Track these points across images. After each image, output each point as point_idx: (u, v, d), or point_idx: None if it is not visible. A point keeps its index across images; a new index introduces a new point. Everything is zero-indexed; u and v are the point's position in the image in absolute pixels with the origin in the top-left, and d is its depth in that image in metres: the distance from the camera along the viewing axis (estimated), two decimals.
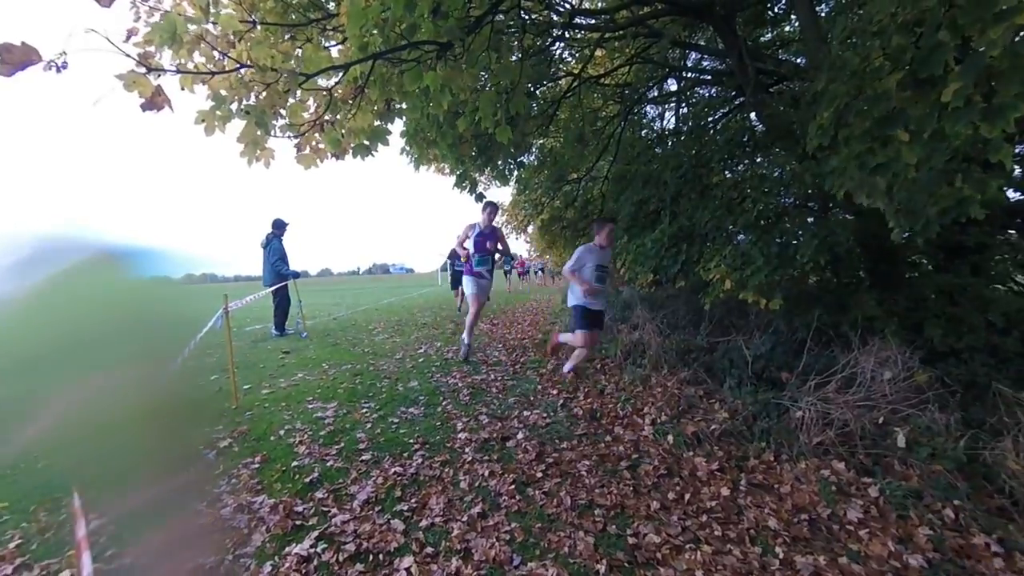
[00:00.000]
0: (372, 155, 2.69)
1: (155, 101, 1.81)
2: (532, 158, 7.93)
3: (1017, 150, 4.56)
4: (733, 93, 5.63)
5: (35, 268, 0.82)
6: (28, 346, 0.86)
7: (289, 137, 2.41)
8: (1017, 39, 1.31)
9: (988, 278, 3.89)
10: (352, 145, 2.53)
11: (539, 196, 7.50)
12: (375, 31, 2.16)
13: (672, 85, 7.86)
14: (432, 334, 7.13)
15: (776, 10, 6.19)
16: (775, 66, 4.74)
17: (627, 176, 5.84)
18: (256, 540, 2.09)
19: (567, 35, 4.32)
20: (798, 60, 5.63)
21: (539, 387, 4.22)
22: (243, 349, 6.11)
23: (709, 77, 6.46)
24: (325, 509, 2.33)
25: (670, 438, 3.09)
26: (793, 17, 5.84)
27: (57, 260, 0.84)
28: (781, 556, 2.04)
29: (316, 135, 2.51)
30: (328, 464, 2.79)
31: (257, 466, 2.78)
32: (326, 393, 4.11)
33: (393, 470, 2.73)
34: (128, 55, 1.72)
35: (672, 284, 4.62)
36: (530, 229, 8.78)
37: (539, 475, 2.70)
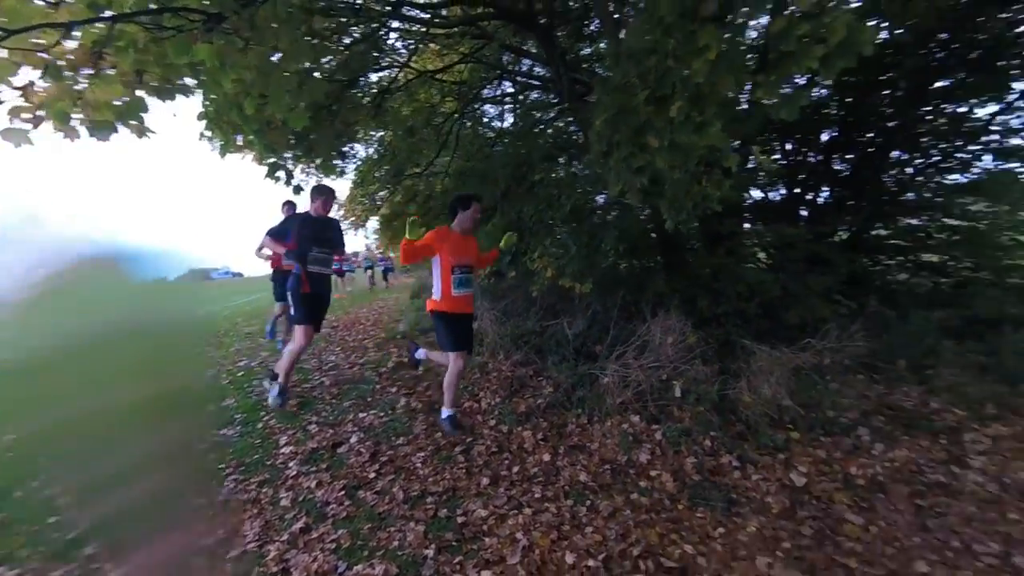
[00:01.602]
0: (147, 135, 2.25)
1: None
2: (371, 151, 7.63)
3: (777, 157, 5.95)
4: (556, 99, 6.18)
5: (36, 270, 0.84)
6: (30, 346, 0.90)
7: None
8: (712, 72, 1.72)
9: (739, 258, 4.99)
10: (95, 121, 2.08)
11: (377, 190, 7.26)
12: None
13: (509, 87, 8.31)
14: (258, 344, 6.38)
15: (593, 28, 6.97)
16: (588, 78, 5.34)
17: (466, 172, 6.01)
18: None
19: (394, 24, 4.23)
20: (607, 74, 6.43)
21: (378, 386, 4.10)
22: None
23: (539, 83, 6.99)
24: (94, 567, 1.93)
25: (500, 417, 3.29)
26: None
27: (57, 262, 0.87)
28: (588, 503, 2.34)
29: (29, 105, 1.99)
30: (100, 512, 2.31)
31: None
32: None
33: (196, 502, 2.38)
34: None
35: (506, 275, 4.92)
36: (369, 224, 8.45)
37: (372, 476, 2.64)
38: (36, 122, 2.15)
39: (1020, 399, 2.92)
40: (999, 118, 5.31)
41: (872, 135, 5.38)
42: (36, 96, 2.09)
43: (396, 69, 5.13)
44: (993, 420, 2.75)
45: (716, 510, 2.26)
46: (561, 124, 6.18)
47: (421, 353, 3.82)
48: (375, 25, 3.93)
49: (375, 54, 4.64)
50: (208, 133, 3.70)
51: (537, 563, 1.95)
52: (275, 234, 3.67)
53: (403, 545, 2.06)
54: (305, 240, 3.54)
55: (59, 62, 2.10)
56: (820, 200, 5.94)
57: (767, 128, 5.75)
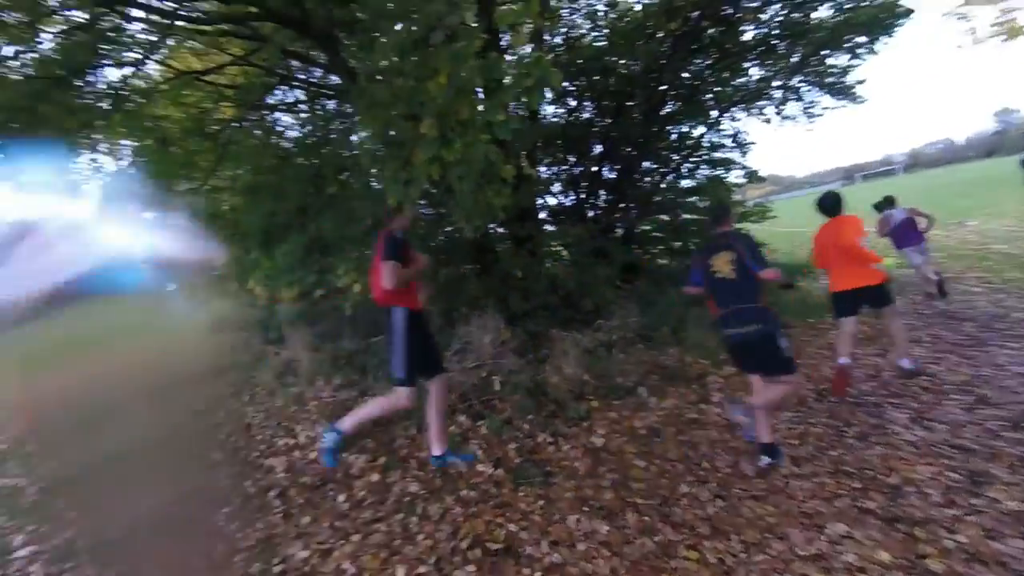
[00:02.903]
0: None
1: None
2: (125, 164, 6.22)
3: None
4: (351, 109, 5.99)
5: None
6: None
7: None
8: (446, 94, 1.96)
9: (540, 257, 5.61)
10: None
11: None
12: None
13: (302, 94, 7.70)
14: None
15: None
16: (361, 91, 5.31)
17: (257, 188, 5.39)
18: None
19: (129, 13, 3.51)
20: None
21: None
22: None
23: (331, 92, 6.65)
24: None
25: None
26: None
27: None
28: (420, 512, 2.36)
29: None
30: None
31: None
32: None
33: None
34: None
35: (314, 296, 4.59)
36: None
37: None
38: None
39: None
40: (706, 136, 7.17)
41: (630, 149, 6.65)
42: None
43: (139, 67, 4.26)
44: (726, 364, 3.62)
45: (535, 485, 2.50)
46: (357, 136, 6.01)
47: None
48: (99, 11, 3.23)
49: (103, 48, 3.78)
50: None
51: None
52: None
53: None
54: None
55: None
56: (600, 203, 7.15)
57: (551, 144, 6.67)
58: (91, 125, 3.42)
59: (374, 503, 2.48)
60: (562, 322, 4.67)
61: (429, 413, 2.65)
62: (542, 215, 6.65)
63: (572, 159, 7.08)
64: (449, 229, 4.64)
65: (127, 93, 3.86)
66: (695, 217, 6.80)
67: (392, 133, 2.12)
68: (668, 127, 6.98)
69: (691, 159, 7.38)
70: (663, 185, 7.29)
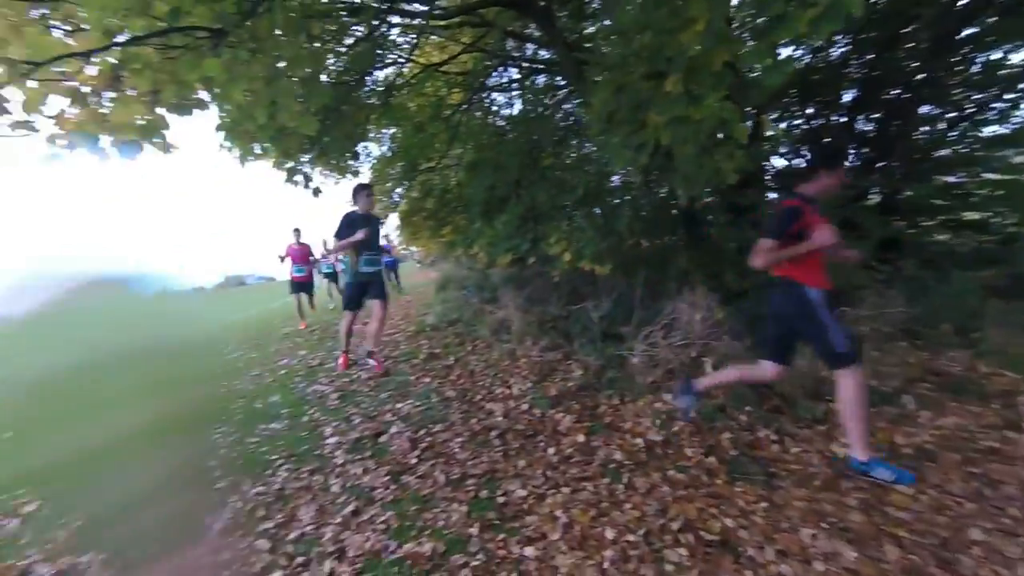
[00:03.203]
0: (170, 150, 2.36)
1: None
2: (384, 149, 7.71)
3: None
4: (564, 81, 6.11)
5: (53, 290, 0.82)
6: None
7: (26, 135, 2.00)
8: (703, 43, 1.70)
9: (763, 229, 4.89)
10: (121, 140, 2.18)
11: (393, 187, 7.36)
12: (123, 15, 1.87)
13: (516, 73, 8.23)
14: (295, 343, 6.60)
15: (595, 5, 6.82)
16: (592, 56, 5.27)
17: (479, 163, 6.03)
18: None
19: (395, 20, 4.26)
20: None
21: (412, 378, 4.22)
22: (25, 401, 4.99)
23: (544, 66, 6.92)
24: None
25: (533, 402, 3.36)
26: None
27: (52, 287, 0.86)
28: (626, 481, 2.39)
29: (62, 129, 2.11)
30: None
31: (79, 524, 2.36)
32: (164, 429, 3.59)
33: (254, 491, 2.53)
34: None
35: (527, 262, 4.95)
36: (391, 220, 8.57)
37: (414, 462, 2.74)
38: (71, 147, 2.27)
39: None
40: None
41: (898, 92, 5.14)
42: (67, 122, 2.21)
43: (400, 65, 5.15)
44: None
45: (756, 484, 2.27)
46: (569, 107, 6.12)
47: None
48: (375, 23, 3.96)
49: (378, 52, 4.67)
50: (227, 144, 3.83)
51: (578, 539, 2.01)
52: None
53: (448, 525, 2.15)
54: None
55: (84, 88, 2.21)
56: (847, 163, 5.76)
57: (783, 94, 5.59)
58: (368, 119, 4.31)
59: (580, 462, 2.61)
60: None
61: (844, 410, 2.23)
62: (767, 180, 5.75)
63: (811, 110, 5.84)
64: (660, 196, 4.41)
65: (391, 89, 4.71)
66: (1007, 178, 4.90)
67: (629, 95, 2.05)
68: (970, 54, 5.11)
69: (1004, 97, 5.28)
70: (952, 135, 5.43)
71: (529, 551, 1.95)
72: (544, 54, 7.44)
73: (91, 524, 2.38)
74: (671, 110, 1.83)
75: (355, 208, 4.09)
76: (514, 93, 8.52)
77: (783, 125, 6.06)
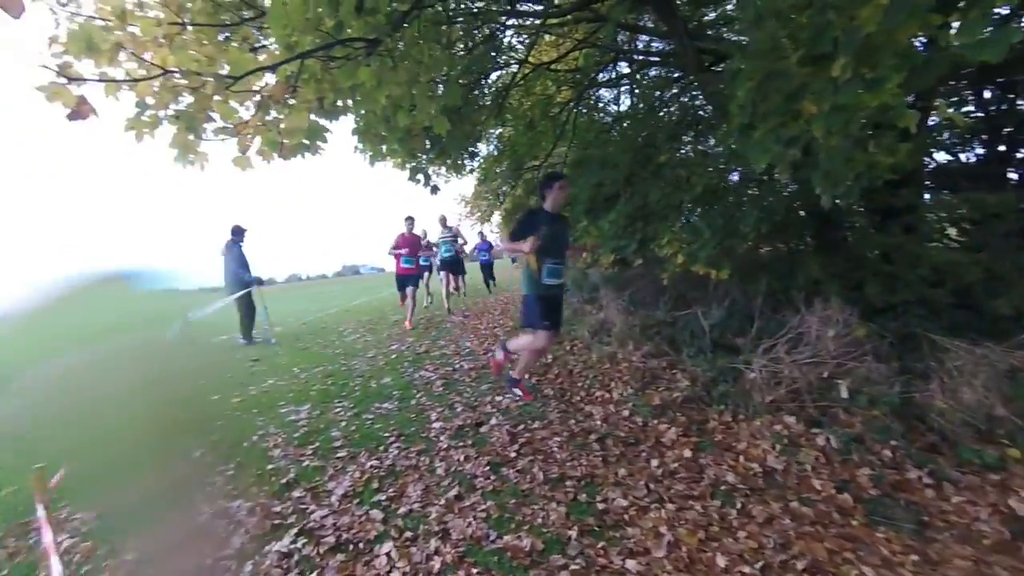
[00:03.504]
0: (319, 152, 2.68)
1: (81, 111, 1.77)
2: (491, 147, 7.96)
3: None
4: (680, 74, 5.78)
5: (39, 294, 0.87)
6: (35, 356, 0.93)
7: (223, 140, 2.37)
8: (885, 17, 1.43)
9: (919, 236, 4.18)
10: (291, 145, 2.51)
11: (499, 185, 7.56)
12: (300, 31, 2.14)
13: (625, 67, 7.99)
14: (404, 330, 7.12)
15: None
16: (716, 45, 4.89)
17: (584, 160, 5.95)
18: (236, 543, 2.10)
19: (511, 22, 4.35)
20: (742, 38, 5.81)
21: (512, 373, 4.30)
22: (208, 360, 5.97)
23: (658, 59, 6.61)
24: (303, 507, 2.36)
25: (635, 409, 3.23)
26: None
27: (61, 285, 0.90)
28: (739, 506, 2.20)
29: (251, 136, 2.47)
30: (304, 464, 2.81)
31: (231, 473, 2.76)
32: (299, 396, 4.08)
33: (370, 464, 2.77)
34: (47, 67, 1.67)
35: (631, 263, 4.77)
36: (495, 219, 8.82)
37: (512, 455, 2.79)
38: (257, 151, 2.67)
39: None
40: None
41: None
42: (252, 128, 2.59)
43: (515, 65, 5.27)
44: None
45: (903, 532, 1.95)
46: (685, 99, 5.77)
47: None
48: (495, 25, 4.07)
49: (493, 54, 4.81)
50: (360, 146, 4.22)
51: (685, 560, 1.89)
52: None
53: (546, 523, 2.15)
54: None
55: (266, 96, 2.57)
56: None
57: (954, 75, 4.68)
58: (484, 120, 4.47)
59: (686, 479, 2.45)
60: (951, 327, 3.39)
61: None
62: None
63: (987, 94, 4.83)
64: (786, 196, 3.96)
65: (507, 89, 4.83)
66: None
67: (782, 83, 1.85)
68: None
69: None
70: None
71: (631, 564, 1.87)
72: (658, 46, 7.12)
73: (240, 472, 2.78)
74: (834, 98, 1.60)
75: (542, 204, 3.32)
76: (622, 88, 8.28)
77: (950, 111, 5.11)
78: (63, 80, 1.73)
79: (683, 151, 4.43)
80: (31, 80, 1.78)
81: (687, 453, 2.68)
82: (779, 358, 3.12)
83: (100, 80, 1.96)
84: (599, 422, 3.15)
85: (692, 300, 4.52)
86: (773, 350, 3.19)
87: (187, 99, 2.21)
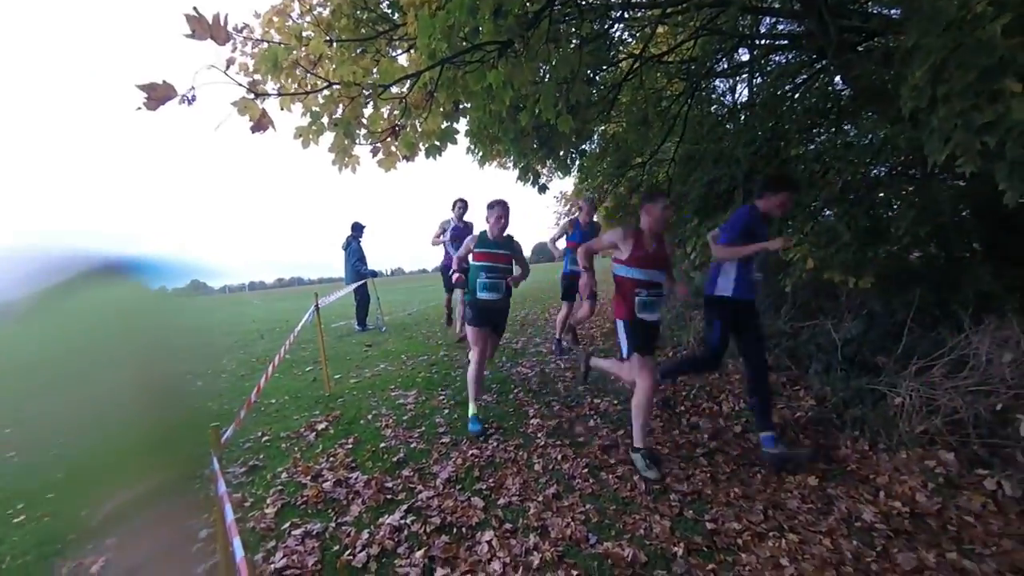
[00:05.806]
0: (440, 155, 2.86)
1: (261, 123, 2.07)
2: (594, 145, 7.81)
3: None
4: (813, 57, 5.17)
5: (40, 279, 0.87)
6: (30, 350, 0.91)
7: (370, 144, 2.62)
8: None
9: None
10: (424, 146, 2.70)
11: (601, 183, 7.39)
12: (441, 39, 2.28)
13: (744, 55, 7.35)
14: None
15: None
16: (862, 21, 4.29)
17: (695, 156, 5.59)
18: (354, 511, 2.32)
19: (626, 15, 4.21)
20: (891, 12, 5.04)
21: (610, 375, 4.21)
22: (330, 343, 6.65)
23: (785, 42, 5.98)
24: (412, 486, 2.53)
25: (748, 427, 2.97)
26: None
27: (61, 272, 0.89)
28: (879, 548, 1.92)
29: (391, 140, 2.70)
30: (412, 446, 3.01)
31: (350, 446, 3.05)
32: (406, 382, 4.39)
33: (471, 452, 2.88)
34: (240, 84, 1.97)
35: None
36: (595, 218, 8.67)
37: (612, 461, 2.73)
38: (388, 152, 2.92)
39: None
40: None
41: None
42: (390, 133, 2.83)
43: (628, 61, 5.11)
44: None
45: None
46: (817, 85, 5.14)
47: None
48: (613, 17, 3.98)
49: (607, 50, 4.71)
50: (472, 147, 4.40)
51: None
52: None
53: (649, 535, 2.07)
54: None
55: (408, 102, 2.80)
56: None
57: None
58: (595, 116, 4.41)
59: (812, 510, 2.20)
60: None
61: None
62: None
63: None
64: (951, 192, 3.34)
65: (619, 86, 4.73)
66: None
67: (976, 58, 1.57)
68: None
69: None
70: None
71: None
72: (784, 27, 6.44)
73: (357, 447, 3.05)
74: None
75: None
76: (740, 78, 7.63)
77: None
78: (251, 96, 2.03)
79: (816, 144, 3.95)
80: (222, 97, 2.13)
81: (812, 480, 2.41)
82: (935, 383, 2.67)
83: (280, 94, 2.29)
84: (706, 436, 2.96)
85: (819, 310, 4.04)
86: (927, 373, 2.73)
87: (344, 107, 2.48)
